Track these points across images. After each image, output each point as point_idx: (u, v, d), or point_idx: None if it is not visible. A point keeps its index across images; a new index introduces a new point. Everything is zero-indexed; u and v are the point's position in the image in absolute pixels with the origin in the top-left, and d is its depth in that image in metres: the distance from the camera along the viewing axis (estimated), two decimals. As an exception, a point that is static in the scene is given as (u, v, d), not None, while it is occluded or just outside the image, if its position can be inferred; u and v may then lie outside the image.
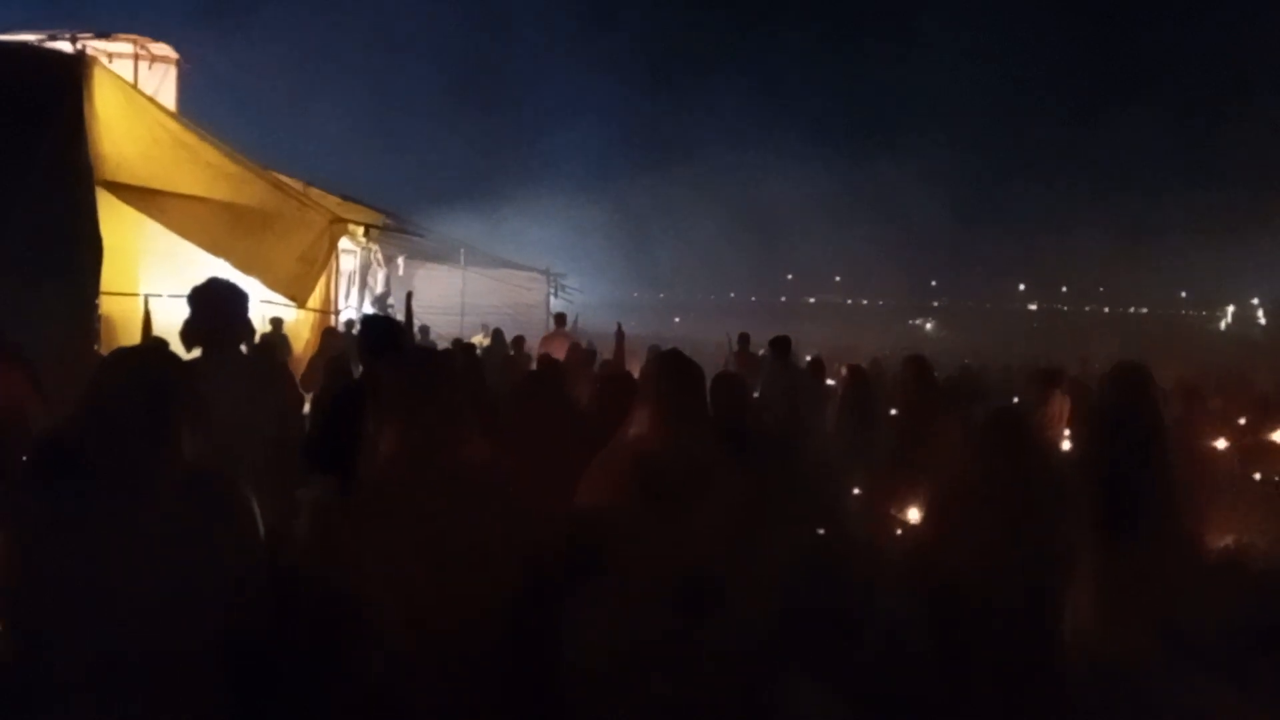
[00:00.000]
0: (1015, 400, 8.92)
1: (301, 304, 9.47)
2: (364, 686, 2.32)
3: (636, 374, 3.75)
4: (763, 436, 4.78)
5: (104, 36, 10.58)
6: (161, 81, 11.45)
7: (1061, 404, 8.00)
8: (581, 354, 11.16)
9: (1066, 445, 7.18)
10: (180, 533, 2.11)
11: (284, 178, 10.18)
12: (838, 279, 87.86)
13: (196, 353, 3.84)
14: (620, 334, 7.73)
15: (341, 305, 12.34)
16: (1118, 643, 3.82)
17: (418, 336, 11.71)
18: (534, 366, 9.07)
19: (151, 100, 9.01)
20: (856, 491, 5.31)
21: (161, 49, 11.62)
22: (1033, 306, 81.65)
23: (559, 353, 10.64)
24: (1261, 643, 4.19)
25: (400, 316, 8.20)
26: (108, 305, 7.82)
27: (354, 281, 14.88)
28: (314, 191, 10.95)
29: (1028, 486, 3.17)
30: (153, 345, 5.15)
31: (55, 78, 7.85)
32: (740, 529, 2.70)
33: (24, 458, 3.11)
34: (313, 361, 8.84)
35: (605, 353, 10.39)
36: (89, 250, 7.52)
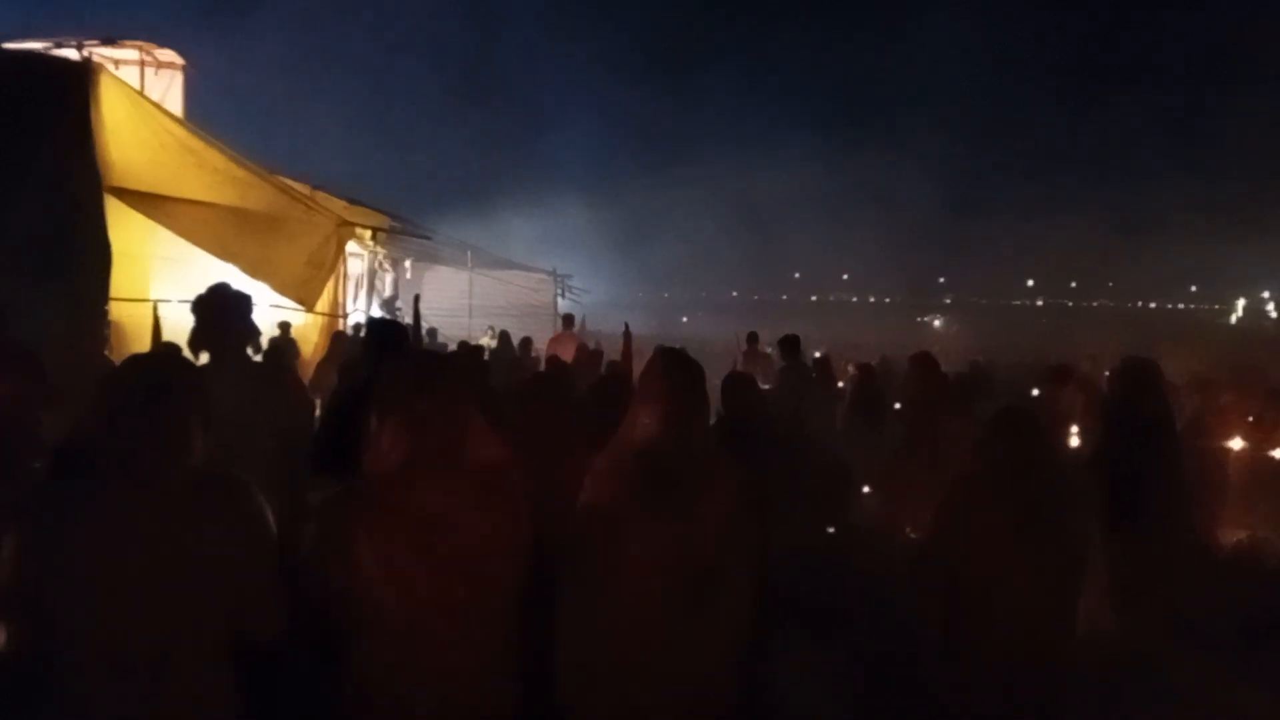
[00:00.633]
0: (1032, 393, 8.89)
1: (310, 308, 9.51)
2: (365, 686, 2.33)
3: (641, 374, 3.74)
4: (772, 435, 4.79)
5: (110, 43, 10.62)
6: (168, 88, 11.50)
7: (1072, 400, 7.97)
8: (589, 355, 11.17)
9: (1077, 441, 7.15)
10: (193, 534, 2.16)
11: (291, 182, 10.20)
12: (845, 276, 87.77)
13: (205, 358, 3.86)
14: (628, 335, 7.71)
15: (350, 308, 12.40)
16: (1128, 637, 3.81)
17: (426, 339, 11.73)
18: (542, 368, 9.09)
19: (158, 106, 9.02)
20: (866, 489, 5.29)
21: (167, 55, 11.66)
22: (1040, 302, 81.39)
23: (567, 354, 10.65)
24: (1273, 637, 4.17)
25: (408, 319, 8.19)
26: (118, 311, 7.86)
27: (362, 285, 14.93)
28: (321, 195, 10.96)
29: (1038, 482, 3.16)
30: (163, 350, 5.17)
31: (62, 85, 7.87)
32: (741, 527, 2.69)
33: (31, 458, 3.13)
34: (321, 365, 8.87)
35: (613, 354, 10.37)
36: (97, 256, 7.55)
